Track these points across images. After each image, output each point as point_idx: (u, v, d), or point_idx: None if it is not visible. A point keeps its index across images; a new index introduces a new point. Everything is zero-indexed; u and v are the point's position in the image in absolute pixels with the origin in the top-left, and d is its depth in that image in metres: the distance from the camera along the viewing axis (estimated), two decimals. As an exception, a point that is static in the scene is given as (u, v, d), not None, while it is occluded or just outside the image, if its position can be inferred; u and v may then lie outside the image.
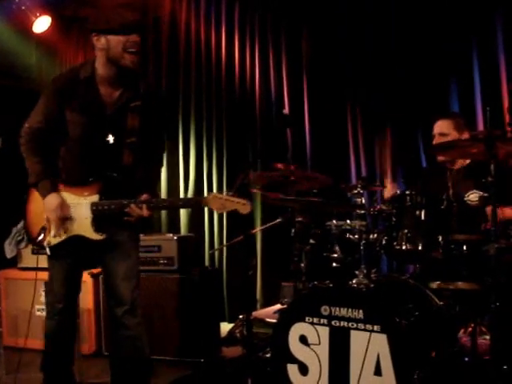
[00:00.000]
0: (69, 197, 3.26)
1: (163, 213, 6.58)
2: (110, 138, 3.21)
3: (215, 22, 6.31)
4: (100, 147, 3.22)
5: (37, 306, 4.47)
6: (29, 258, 3.65)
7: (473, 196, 3.82)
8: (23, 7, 5.97)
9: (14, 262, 5.09)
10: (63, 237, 3.26)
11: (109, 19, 3.06)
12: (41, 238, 3.32)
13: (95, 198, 3.22)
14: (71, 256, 3.35)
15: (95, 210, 3.21)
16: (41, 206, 3.29)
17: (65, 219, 3.24)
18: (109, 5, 3.11)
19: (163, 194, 6.62)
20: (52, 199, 3.22)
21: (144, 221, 3.30)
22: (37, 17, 6.04)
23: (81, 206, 3.23)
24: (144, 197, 3.18)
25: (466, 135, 4.06)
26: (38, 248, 3.42)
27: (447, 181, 4.11)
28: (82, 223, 3.23)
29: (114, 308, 3.35)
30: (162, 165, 3.63)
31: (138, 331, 3.35)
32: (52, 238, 3.28)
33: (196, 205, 3.17)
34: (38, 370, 3.62)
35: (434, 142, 4.19)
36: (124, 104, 3.21)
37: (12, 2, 5.99)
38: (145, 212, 3.15)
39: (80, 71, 3.24)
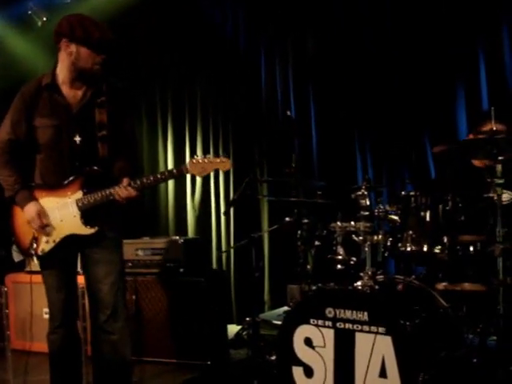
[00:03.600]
0: (52, 200, 3.26)
1: (170, 216, 6.59)
2: (77, 138, 3.24)
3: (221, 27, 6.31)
4: (70, 147, 3.25)
5: (44, 309, 4.47)
6: (36, 262, 3.65)
7: (505, 196, 3.70)
8: (29, 11, 6.02)
9: (21, 266, 5.12)
10: (57, 240, 3.26)
11: (89, 32, 3.13)
12: (34, 248, 3.29)
13: (79, 194, 3.23)
14: (63, 262, 3.35)
15: (81, 205, 3.22)
16: (25, 217, 3.29)
17: (45, 226, 3.24)
18: (88, 19, 3.17)
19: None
20: (30, 208, 3.24)
21: (126, 222, 3.43)
22: (43, 21, 6.08)
23: (66, 205, 3.23)
24: (125, 181, 3.19)
25: None
26: (30, 259, 3.40)
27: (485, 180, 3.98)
28: (72, 222, 3.23)
29: (97, 312, 3.35)
30: (136, 155, 3.74)
31: (120, 335, 3.35)
32: (45, 245, 3.28)
33: (179, 174, 3.25)
34: (46, 373, 3.59)
35: None
36: (89, 101, 3.28)
37: (19, 6, 6.03)
38: (132, 192, 3.18)
39: (42, 79, 3.31)
